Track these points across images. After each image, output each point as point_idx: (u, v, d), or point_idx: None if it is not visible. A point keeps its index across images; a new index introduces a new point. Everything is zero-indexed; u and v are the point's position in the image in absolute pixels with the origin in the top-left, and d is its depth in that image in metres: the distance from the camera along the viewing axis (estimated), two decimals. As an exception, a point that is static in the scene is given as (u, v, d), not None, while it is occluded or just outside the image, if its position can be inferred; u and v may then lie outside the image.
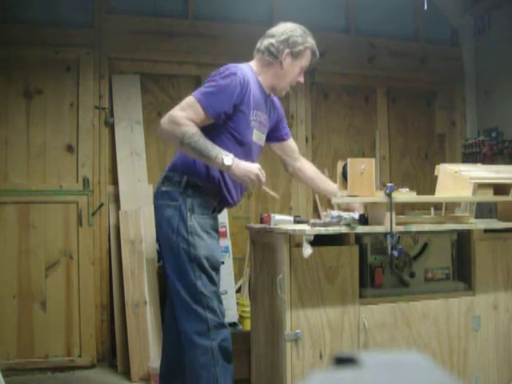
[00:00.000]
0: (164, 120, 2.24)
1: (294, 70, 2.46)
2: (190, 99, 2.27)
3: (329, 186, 2.79)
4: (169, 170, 2.41)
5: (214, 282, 2.34)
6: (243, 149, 2.39)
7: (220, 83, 2.27)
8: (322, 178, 2.86)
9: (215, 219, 2.42)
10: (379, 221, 2.47)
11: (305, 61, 2.48)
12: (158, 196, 2.39)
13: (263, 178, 2.28)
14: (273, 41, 2.44)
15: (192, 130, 2.19)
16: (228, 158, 2.19)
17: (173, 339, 2.50)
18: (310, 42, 2.48)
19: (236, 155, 2.26)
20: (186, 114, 2.22)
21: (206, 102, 2.24)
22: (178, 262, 2.30)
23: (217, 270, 2.38)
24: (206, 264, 2.30)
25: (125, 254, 3.69)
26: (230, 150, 2.26)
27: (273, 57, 2.43)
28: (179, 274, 2.30)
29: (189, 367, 2.32)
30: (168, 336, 2.57)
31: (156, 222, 2.42)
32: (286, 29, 2.46)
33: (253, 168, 2.25)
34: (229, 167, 2.20)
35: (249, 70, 2.42)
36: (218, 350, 2.28)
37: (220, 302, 2.36)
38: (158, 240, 2.52)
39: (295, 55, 2.44)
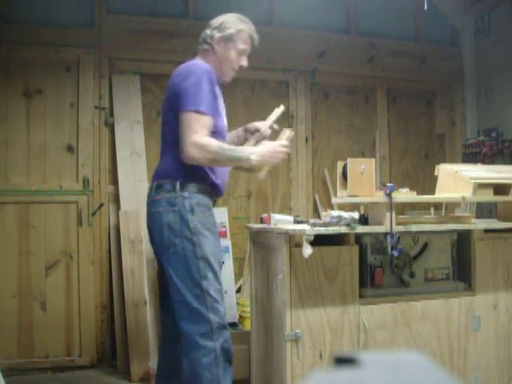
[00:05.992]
0: (189, 151, 2.25)
1: (229, 54, 2.50)
2: (193, 117, 2.26)
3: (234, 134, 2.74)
4: (158, 179, 2.39)
5: (219, 279, 2.34)
6: (219, 138, 2.40)
7: (202, 83, 2.30)
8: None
9: (213, 216, 2.44)
10: (379, 221, 2.47)
11: (240, 44, 2.51)
12: (154, 204, 2.36)
13: (286, 148, 2.41)
14: (208, 31, 2.54)
15: (215, 146, 2.26)
16: (253, 156, 2.31)
17: (169, 342, 2.50)
18: (244, 26, 2.52)
19: None
20: (200, 133, 2.25)
21: (206, 109, 2.28)
22: (183, 264, 2.29)
23: (220, 266, 2.40)
24: (213, 260, 2.32)
25: (125, 253, 3.69)
26: None
27: (207, 44, 2.52)
28: (184, 276, 2.28)
29: (190, 369, 2.31)
30: (165, 338, 2.57)
31: (155, 229, 2.36)
32: (219, 18, 2.55)
33: (273, 148, 2.37)
34: (254, 162, 2.32)
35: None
36: (220, 351, 2.28)
37: (223, 301, 2.36)
38: (154, 249, 2.45)
39: (226, 39, 2.49)
